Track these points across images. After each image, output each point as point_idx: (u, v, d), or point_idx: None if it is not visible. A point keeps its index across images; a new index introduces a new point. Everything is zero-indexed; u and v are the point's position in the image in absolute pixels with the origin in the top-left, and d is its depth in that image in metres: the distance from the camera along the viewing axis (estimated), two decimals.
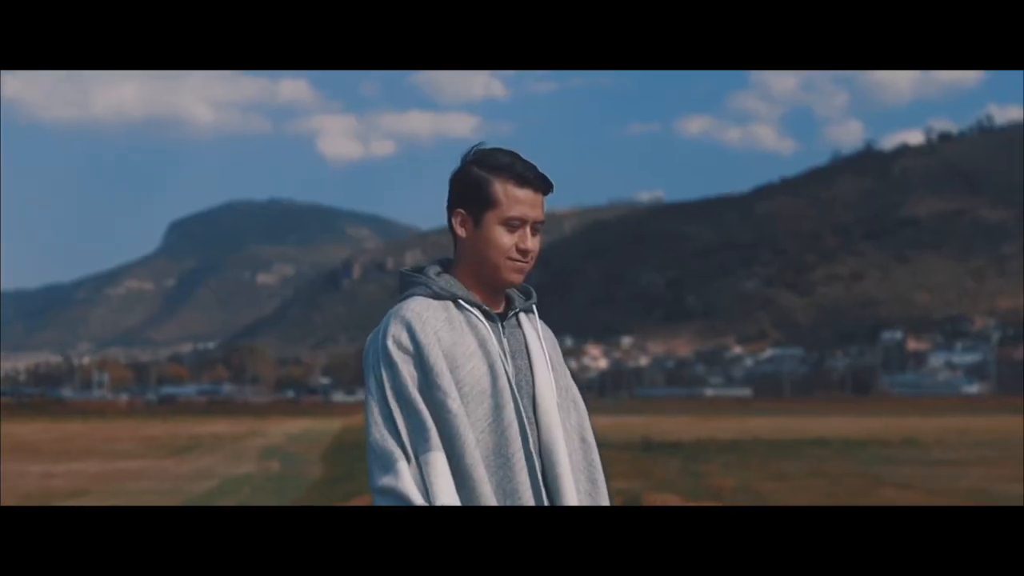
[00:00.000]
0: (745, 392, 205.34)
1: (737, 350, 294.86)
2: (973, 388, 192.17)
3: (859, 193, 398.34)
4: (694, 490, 21.01)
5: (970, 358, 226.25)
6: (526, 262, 3.57)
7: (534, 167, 3.57)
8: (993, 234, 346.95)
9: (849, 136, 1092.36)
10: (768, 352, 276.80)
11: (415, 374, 3.43)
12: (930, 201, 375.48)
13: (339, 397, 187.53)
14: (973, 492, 20.54)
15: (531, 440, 3.45)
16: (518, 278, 3.59)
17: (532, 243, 3.56)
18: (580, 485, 3.53)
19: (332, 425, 66.69)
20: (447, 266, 3.67)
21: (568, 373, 3.72)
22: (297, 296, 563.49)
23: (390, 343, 3.47)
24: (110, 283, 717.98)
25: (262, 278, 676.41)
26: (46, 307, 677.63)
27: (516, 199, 3.53)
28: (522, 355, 3.59)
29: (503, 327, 3.60)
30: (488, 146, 3.64)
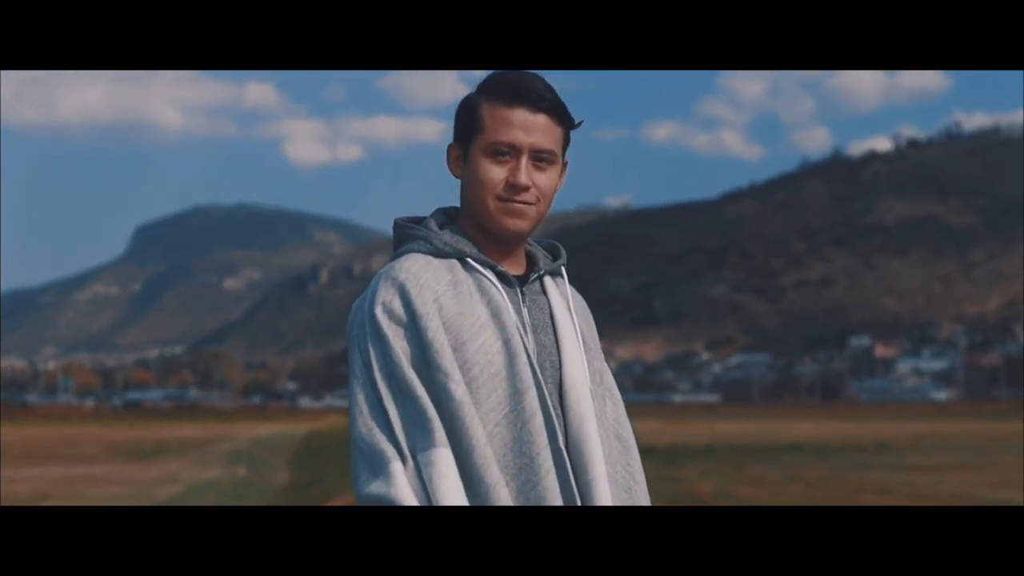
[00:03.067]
0: (713, 398, 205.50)
1: (705, 356, 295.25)
2: (941, 394, 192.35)
3: (827, 199, 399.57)
4: (674, 496, 20.56)
5: (938, 364, 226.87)
6: (523, 202, 2.83)
7: (533, 79, 2.85)
8: (961, 240, 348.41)
9: (816, 142, 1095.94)
10: (736, 358, 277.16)
11: (410, 350, 2.72)
12: (898, 207, 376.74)
13: (306, 403, 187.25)
14: (957, 498, 20.13)
15: (559, 435, 2.75)
16: (515, 224, 2.86)
17: (527, 177, 2.82)
18: (615, 494, 2.82)
19: (299, 430, 66.17)
20: (453, 218, 2.96)
21: (602, 355, 3.01)
22: (264, 301, 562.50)
23: (379, 311, 2.74)
24: (76, 288, 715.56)
25: (229, 283, 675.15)
26: (12, 312, 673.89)
27: (503, 120, 2.82)
28: (546, 329, 2.88)
29: (523, 294, 2.89)
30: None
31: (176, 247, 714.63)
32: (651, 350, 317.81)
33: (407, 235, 2.89)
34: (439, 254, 2.83)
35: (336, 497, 19.70)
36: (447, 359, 2.70)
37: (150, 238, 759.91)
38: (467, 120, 2.87)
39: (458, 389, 2.68)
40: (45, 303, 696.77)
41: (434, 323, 2.72)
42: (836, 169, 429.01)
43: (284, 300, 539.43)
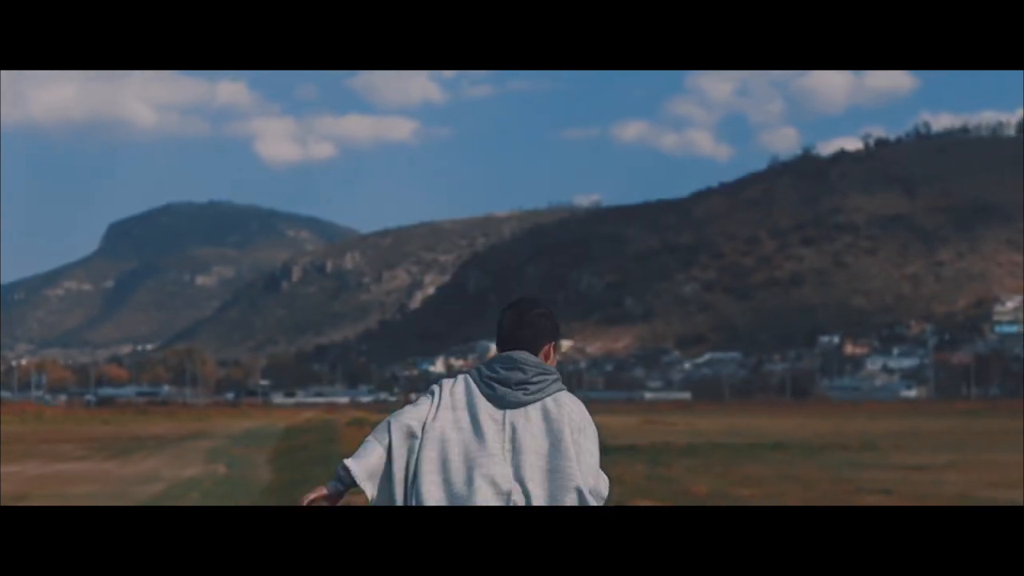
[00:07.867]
0: (684, 396, 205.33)
1: (676, 353, 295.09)
2: (911, 392, 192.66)
3: (797, 198, 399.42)
4: (672, 495, 20.16)
5: (907, 362, 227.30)
6: None
7: None
8: (930, 239, 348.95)
9: (784, 143, 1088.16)
10: (707, 356, 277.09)
11: None
12: (867, 206, 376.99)
13: (279, 399, 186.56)
14: (964, 499, 19.72)
15: None
16: None
17: None
18: None
19: (274, 427, 65.66)
20: None
21: None
22: (236, 298, 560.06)
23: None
24: (48, 284, 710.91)
25: (201, 280, 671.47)
26: None
27: None
28: None
29: None
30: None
31: (148, 244, 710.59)
32: (621, 348, 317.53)
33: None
34: None
35: None
36: None
37: (122, 235, 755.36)
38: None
39: None
40: (17, 300, 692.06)
41: None
42: (805, 168, 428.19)
43: (256, 297, 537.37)
